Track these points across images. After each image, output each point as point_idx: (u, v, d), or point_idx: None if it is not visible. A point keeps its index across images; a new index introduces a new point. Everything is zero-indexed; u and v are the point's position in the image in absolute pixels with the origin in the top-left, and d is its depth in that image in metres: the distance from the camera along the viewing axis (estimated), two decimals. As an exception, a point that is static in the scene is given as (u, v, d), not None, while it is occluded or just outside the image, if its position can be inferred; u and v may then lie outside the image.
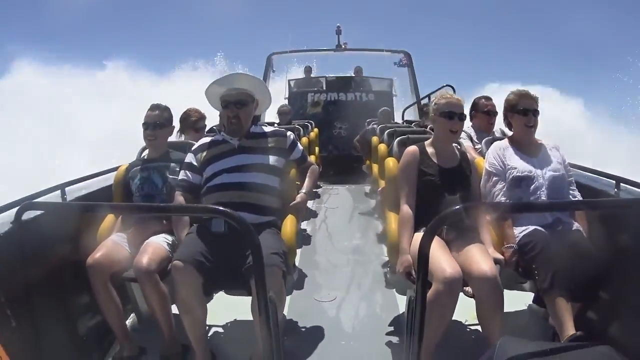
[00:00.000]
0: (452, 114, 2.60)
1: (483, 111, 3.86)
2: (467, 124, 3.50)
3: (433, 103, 2.73)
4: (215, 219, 2.49)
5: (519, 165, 2.69)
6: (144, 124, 2.97)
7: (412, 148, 2.68)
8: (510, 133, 2.91)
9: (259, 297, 1.72)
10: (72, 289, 2.59)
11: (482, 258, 2.23)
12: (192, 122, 4.06)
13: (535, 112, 2.76)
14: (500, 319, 2.19)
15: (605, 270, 2.33)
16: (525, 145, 2.78)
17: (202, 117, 4.14)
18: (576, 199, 2.70)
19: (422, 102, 8.30)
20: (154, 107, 3.00)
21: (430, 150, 2.67)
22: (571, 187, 2.72)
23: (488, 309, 2.19)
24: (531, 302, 3.02)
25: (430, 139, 2.76)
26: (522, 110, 2.75)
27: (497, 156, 2.75)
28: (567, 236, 2.49)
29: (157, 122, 2.95)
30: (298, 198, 2.81)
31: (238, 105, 2.71)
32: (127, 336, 2.65)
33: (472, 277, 2.19)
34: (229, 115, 2.72)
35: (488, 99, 3.92)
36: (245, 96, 2.74)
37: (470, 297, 2.26)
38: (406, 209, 2.53)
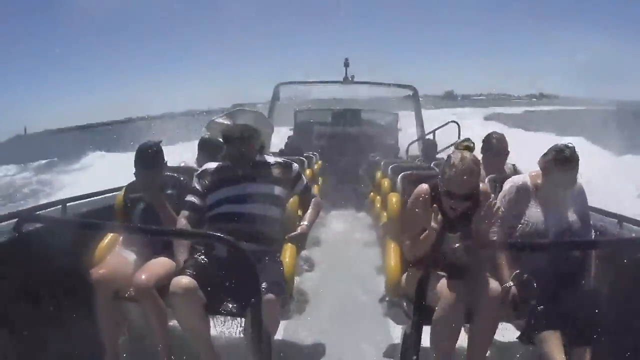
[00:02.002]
0: (452, 195, 2.36)
1: (492, 151, 3.48)
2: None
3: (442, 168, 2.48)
4: (219, 245, 2.53)
5: (532, 217, 2.54)
6: (134, 163, 2.85)
7: (424, 187, 2.55)
8: (523, 171, 2.74)
9: (252, 324, 1.78)
10: (67, 305, 2.59)
11: (484, 285, 2.26)
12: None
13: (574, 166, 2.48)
14: (488, 349, 2.22)
15: (609, 314, 2.30)
16: (548, 191, 2.57)
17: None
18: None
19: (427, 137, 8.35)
20: (146, 148, 2.86)
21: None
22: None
23: (485, 330, 2.23)
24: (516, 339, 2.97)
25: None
26: (562, 162, 2.46)
27: (511, 200, 2.59)
28: (563, 275, 2.47)
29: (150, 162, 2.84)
30: (299, 229, 2.78)
31: (241, 140, 2.74)
32: (118, 356, 2.63)
33: (477, 295, 2.22)
34: (232, 152, 2.76)
35: (501, 139, 3.48)
36: (247, 130, 2.78)
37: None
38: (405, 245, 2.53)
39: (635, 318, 2.22)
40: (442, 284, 2.22)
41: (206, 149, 3.90)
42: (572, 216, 2.56)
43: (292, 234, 2.74)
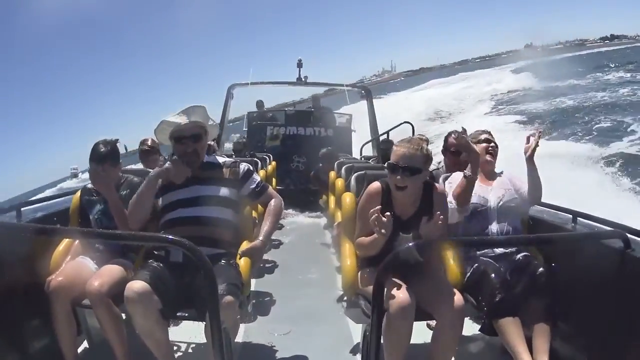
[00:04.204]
0: (394, 167, 2.39)
1: (450, 150, 3.56)
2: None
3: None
4: (173, 249, 2.49)
5: (476, 195, 2.79)
6: (89, 158, 2.81)
7: (376, 185, 2.54)
8: None
9: (212, 327, 1.77)
10: (23, 313, 2.52)
11: (446, 288, 2.30)
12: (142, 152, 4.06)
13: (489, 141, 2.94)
14: (455, 349, 2.28)
15: (564, 300, 2.43)
16: (483, 174, 2.91)
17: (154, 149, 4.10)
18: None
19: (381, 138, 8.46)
20: (102, 143, 2.83)
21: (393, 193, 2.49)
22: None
23: (446, 339, 2.26)
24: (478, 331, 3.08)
25: None
26: (484, 140, 2.91)
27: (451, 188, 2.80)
28: (517, 264, 2.60)
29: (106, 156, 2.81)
30: (252, 244, 2.57)
31: (193, 139, 2.67)
32: None
33: (438, 307, 2.25)
34: (186, 150, 2.67)
35: (459, 137, 3.34)
36: (199, 129, 2.70)
37: (432, 329, 2.34)
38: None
39: (589, 307, 2.35)
40: (393, 283, 2.24)
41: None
42: (509, 192, 2.87)
43: (246, 248, 2.58)
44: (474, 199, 2.76)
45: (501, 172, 3.00)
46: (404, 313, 2.17)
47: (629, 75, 26.60)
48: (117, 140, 2.88)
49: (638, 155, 11.24)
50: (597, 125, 15.16)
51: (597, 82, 25.73)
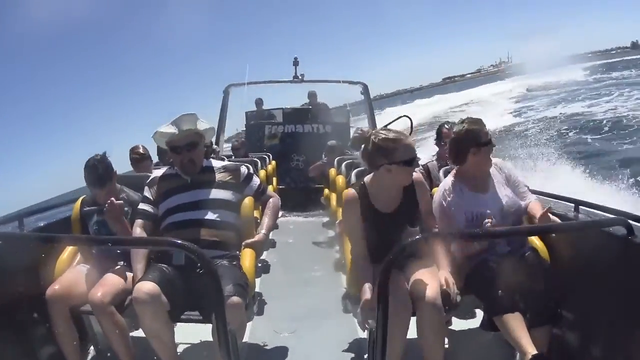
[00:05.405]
0: (414, 161, 2.39)
1: (444, 141, 3.52)
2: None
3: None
4: (175, 252, 2.50)
5: (471, 209, 2.58)
6: (87, 183, 2.83)
7: (351, 193, 2.49)
8: None
9: (218, 329, 1.78)
10: (28, 321, 2.53)
11: (428, 280, 2.27)
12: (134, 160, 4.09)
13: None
14: (442, 343, 2.27)
15: (567, 291, 2.39)
16: (478, 179, 2.64)
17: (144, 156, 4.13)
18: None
19: None
20: (94, 163, 2.79)
21: (372, 191, 2.49)
22: (523, 194, 2.68)
23: (429, 332, 2.24)
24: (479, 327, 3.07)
25: (370, 178, 2.52)
26: (489, 141, 2.58)
27: (445, 199, 2.61)
28: (520, 259, 2.54)
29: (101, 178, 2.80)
30: (256, 237, 2.76)
31: (188, 147, 2.71)
32: None
33: (416, 299, 2.24)
34: (182, 160, 2.72)
35: (452, 127, 3.19)
36: (194, 136, 2.74)
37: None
38: (357, 259, 2.47)
39: (594, 297, 2.33)
40: (394, 277, 2.19)
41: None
42: (504, 194, 2.64)
43: (249, 240, 2.73)
44: (472, 217, 2.58)
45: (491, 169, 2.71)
46: (405, 306, 2.18)
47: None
48: (105, 154, 2.88)
49: None
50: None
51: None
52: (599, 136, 15.33)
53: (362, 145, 2.46)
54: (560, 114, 21.07)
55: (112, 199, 2.66)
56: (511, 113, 25.35)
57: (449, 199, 2.59)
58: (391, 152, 2.34)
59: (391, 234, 2.43)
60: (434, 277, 2.32)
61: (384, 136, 2.37)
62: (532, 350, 2.15)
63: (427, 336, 2.26)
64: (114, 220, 2.68)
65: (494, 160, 2.68)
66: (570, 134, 16.31)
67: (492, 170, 2.68)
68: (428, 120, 23.96)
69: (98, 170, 2.77)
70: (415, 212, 2.54)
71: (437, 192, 2.72)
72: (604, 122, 16.95)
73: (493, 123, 17.31)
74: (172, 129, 2.69)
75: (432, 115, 28.03)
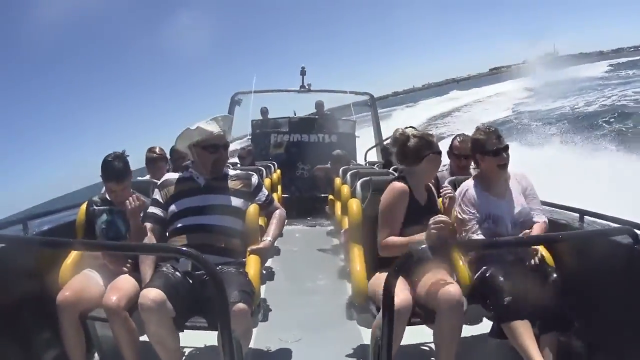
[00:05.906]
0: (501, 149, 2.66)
1: (454, 153, 3.62)
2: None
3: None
4: (182, 258, 2.51)
5: (489, 212, 2.68)
6: (104, 178, 2.85)
7: (401, 185, 2.64)
8: None
9: (223, 336, 1.78)
10: (33, 325, 2.52)
11: (447, 281, 2.31)
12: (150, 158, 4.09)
13: (507, 148, 2.70)
14: (457, 345, 2.27)
15: (573, 300, 2.40)
16: (494, 184, 2.75)
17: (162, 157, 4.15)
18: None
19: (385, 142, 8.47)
20: (116, 159, 2.85)
21: (412, 183, 2.66)
22: (535, 211, 2.76)
23: (447, 333, 2.25)
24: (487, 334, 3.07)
25: (409, 172, 2.69)
26: (494, 151, 2.69)
27: (464, 202, 2.72)
28: (527, 267, 2.55)
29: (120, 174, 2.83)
30: (261, 244, 2.77)
31: (225, 147, 2.78)
32: None
33: (437, 300, 2.24)
34: (219, 158, 2.76)
35: (465, 140, 3.50)
36: (228, 137, 2.83)
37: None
38: (388, 239, 2.57)
39: (600, 305, 2.34)
40: (399, 284, 2.25)
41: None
42: (519, 202, 2.74)
43: (254, 246, 2.73)
44: (486, 217, 2.70)
45: (509, 177, 2.82)
46: (398, 314, 2.19)
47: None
48: (124, 152, 2.91)
49: None
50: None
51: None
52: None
53: (398, 145, 2.67)
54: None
55: (137, 194, 2.71)
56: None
57: (467, 193, 2.74)
58: (432, 144, 2.63)
59: (424, 223, 2.46)
60: (449, 281, 2.35)
61: (424, 132, 2.72)
62: (539, 358, 2.17)
63: (444, 338, 2.28)
64: (133, 216, 2.65)
65: (515, 172, 2.82)
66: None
67: (512, 180, 2.80)
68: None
69: (118, 165, 2.81)
70: (437, 203, 2.75)
71: (460, 187, 2.85)
72: None
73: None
74: (214, 126, 2.71)
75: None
